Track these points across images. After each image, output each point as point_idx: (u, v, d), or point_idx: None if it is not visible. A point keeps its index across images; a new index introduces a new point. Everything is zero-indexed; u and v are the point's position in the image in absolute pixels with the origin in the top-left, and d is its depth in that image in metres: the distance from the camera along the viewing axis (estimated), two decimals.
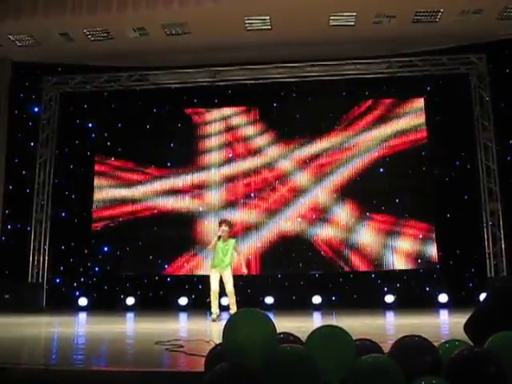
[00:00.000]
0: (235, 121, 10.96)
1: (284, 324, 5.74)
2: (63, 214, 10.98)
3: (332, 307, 9.53)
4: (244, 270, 7.78)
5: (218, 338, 4.41)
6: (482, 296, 8.33)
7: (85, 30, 9.54)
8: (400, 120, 10.56)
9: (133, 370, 3.41)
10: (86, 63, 10.65)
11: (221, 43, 9.79)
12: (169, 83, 10.76)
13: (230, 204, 10.61)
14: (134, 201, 10.83)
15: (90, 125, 11.31)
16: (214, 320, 7.37)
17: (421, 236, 10.11)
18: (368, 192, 10.29)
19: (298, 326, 6.24)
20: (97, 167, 11.02)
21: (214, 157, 10.84)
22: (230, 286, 7.53)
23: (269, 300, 9.87)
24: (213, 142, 10.91)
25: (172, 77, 10.69)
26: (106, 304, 10.02)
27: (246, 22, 9.34)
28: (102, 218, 10.82)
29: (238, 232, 10.04)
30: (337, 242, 10.25)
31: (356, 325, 6.43)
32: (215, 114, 11.02)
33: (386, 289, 9.92)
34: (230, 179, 10.72)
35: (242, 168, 10.74)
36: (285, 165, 10.66)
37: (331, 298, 9.97)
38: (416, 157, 10.33)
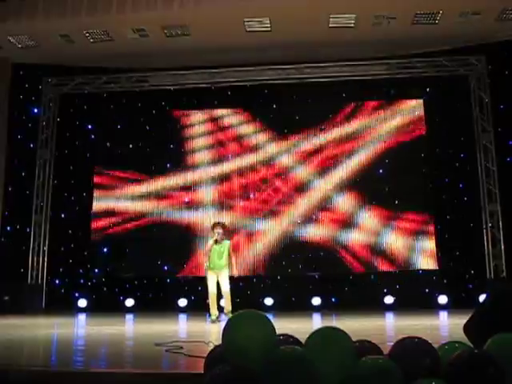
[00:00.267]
0: (235, 122, 10.97)
1: (283, 325, 5.74)
2: (63, 216, 10.99)
3: (331, 309, 9.54)
4: (235, 273, 7.72)
5: (217, 340, 4.40)
6: (482, 297, 8.33)
7: (85, 32, 9.56)
8: (399, 121, 10.56)
9: (132, 371, 3.41)
10: (86, 65, 10.67)
11: (220, 45, 9.80)
12: (167, 85, 10.77)
13: (228, 205, 10.62)
14: (134, 201, 10.83)
15: (90, 126, 11.32)
16: (213, 321, 7.38)
17: (420, 237, 10.12)
18: (367, 192, 10.31)
19: (298, 327, 6.24)
20: (96, 168, 11.02)
21: (208, 157, 10.86)
22: (226, 288, 7.52)
23: (268, 301, 9.87)
24: (209, 142, 10.94)
25: (171, 78, 10.69)
26: (105, 305, 10.02)
27: (246, 23, 9.36)
28: (102, 219, 10.82)
29: (235, 234, 10.06)
30: (337, 242, 10.26)
31: (355, 326, 6.42)
32: (214, 114, 11.04)
33: (385, 290, 9.92)
34: (225, 180, 10.73)
35: (239, 168, 10.75)
36: (285, 165, 10.68)
37: (331, 300, 9.98)
38: (415, 158, 10.34)
